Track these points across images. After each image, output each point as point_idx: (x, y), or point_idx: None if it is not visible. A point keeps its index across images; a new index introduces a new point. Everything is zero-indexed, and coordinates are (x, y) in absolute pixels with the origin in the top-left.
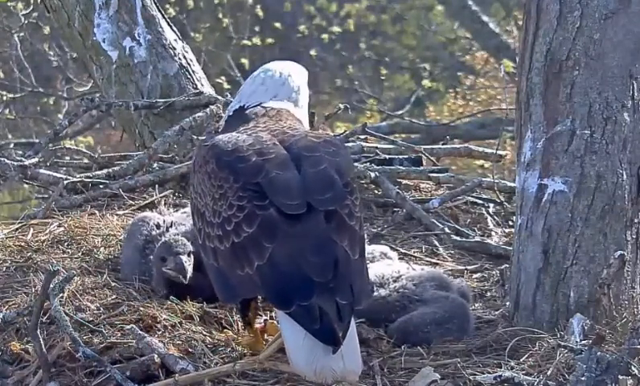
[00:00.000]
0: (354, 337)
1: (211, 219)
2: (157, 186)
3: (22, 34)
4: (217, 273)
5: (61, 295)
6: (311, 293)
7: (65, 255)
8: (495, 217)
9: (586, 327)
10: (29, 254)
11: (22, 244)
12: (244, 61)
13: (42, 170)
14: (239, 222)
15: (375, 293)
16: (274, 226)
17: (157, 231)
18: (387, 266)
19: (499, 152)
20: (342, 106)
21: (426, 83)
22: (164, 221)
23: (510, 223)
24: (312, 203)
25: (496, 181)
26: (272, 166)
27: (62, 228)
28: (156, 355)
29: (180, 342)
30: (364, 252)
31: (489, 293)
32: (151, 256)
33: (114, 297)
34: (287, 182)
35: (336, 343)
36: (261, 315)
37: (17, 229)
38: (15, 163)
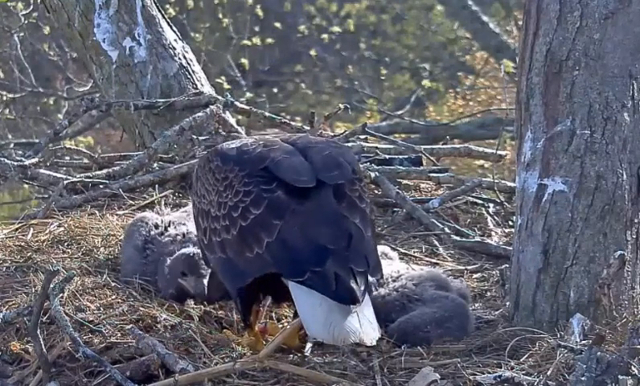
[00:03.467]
0: (369, 305)
1: (217, 212)
2: (157, 186)
3: (22, 34)
4: (224, 264)
5: (61, 295)
6: (325, 259)
7: (65, 255)
8: (495, 217)
9: (586, 327)
10: (29, 254)
11: (22, 244)
12: (244, 61)
13: (42, 170)
14: (246, 206)
15: (375, 293)
16: (282, 205)
17: (156, 231)
18: (387, 266)
19: (499, 152)
20: (342, 106)
21: (426, 83)
22: (162, 221)
23: (510, 223)
24: (321, 179)
25: (496, 181)
26: (278, 153)
27: (62, 228)
28: (156, 355)
29: (180, 342)
30: (375, 235)
31: (489, 293)
32: (152, 257)
33: (114, 297)
34: (294, 163)
35: (354, 301)
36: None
37: (17, 229)
38: (15, 163)
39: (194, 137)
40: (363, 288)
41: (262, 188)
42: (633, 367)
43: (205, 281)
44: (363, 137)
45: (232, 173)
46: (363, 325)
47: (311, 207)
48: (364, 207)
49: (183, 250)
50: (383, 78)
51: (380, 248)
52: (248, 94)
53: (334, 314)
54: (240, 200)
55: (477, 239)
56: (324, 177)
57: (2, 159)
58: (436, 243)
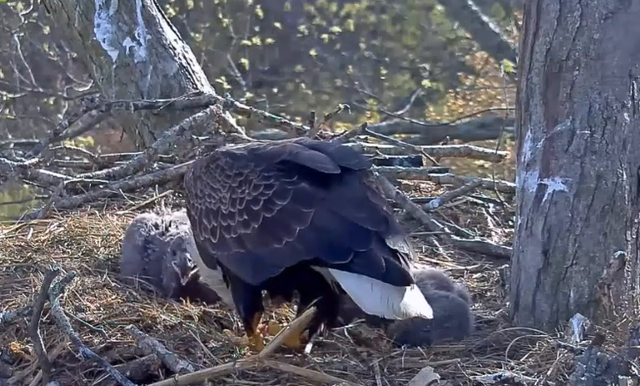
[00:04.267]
0: (416, 286)
1: (230, 209)
2: (157, 186)
3: (22, 34)
4: (243, 258)
5: (61, 295)
6: (369, 241)
7: (65, 255)
8: (495, 217)
9: (586, 327)
10: (29, 254)
11: (22, 244)
12: (244, 61)
13: (42, 170)
14: (269, 198)
15: None
16: (309, 195)
17: (156, 231)
18: None
19: (499, 152)
20: (342, 106)
21: (426, 83)
22: (162, 221)
23: (510, 223)
24: (344, 166)
25: (496, 181)
26: (293, 148)
27: (62, 228)
28: (156, 355)
29: (180, 342)
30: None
31: (489, 293)
32: (153, 256)
33: (114, 297)
34: (312, 154)
35: (408, 282)
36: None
37: (17, 229)
38: (15, 163)
39: (194, 137)
40: (409, 269)
41: (284, 181)
42: (633, 367)
43: (188, 256)
44: (363, 137)
45: (247, 168)
46: (418, 299)
47: (341, 192)
48: (384, 197)
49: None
50: (383, 78)
51: None
52: (248, 94)
53: (390, 294)
54: (261, 193)
55: (477, 239)
56: (347, 164)
57: (2, 159)
58: (436, 243)
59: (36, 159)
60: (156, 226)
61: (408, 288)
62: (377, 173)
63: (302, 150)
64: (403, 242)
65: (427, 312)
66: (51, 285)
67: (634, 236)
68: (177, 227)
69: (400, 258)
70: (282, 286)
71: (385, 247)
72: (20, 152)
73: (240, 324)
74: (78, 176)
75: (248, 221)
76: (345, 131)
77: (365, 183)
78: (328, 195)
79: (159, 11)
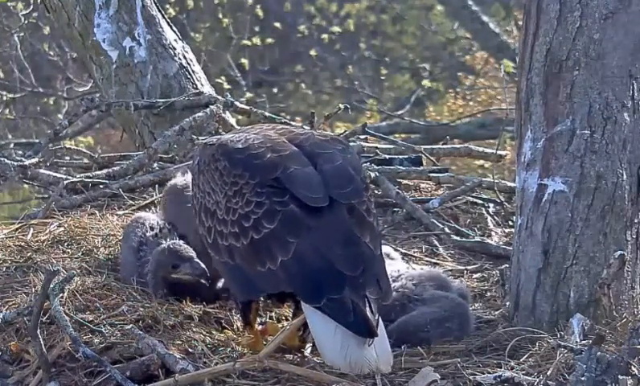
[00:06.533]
0: (383, 330)
1: (224, 216)
2: (157, 186)
3: (22, 34)
4: (234, 271)
5: (61, 295)
6: (342, 287)
7: (65, 255)
8: (495, 217)
9: (586, 327)
10: (29, 254)
11: (22, 244)
12: (244, 61)
13: (42, 170)
14: (258, 218)
15: None
16: (296, 221)
17: (152, 232)
18: (387, 265)
19: (499, 152)
20: (342, 106)
21: (426, 83)
22: (158, 222)
23: (510, 223)
24: (333, 197)
25: (496, 181)
26: (289, 161)
27: (62, 228)
28: (156, 355)
29: (180, 342)
30: (381, 246)
31: (489, 293)
32: (146, 258)
33: (114, 297)
34: (307, 176)
35: (371, 335)
36: (262, 315)
37: (17, 229)
38: (15, 163)
39: (194, 137)
40: (377, 317)
41: (275, 200)
42: (633, 367)
43: (199, 260)
44: (363, 137)
45: (242, 179)
46: (379, 352)
47: (326, 224)
48: (372, 221)
49: (159, 247)
50: (383, 78)
51: (383, 249)
52: (248, 94)
53: (350, 343)
54: (252, 211)
55: (477, 239)
56: (336, 195)
57: (2, 159)
58: (436, 243)
59: (36, 159)
60: (152, 227)
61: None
62: (377, 173)
63: (297, 169)
64: (376, 284)
65: (385, 366)
66: (51, 285)
67: (634, 236)
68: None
69: (369, 304)
70: (271, 297)
71: (358, 291)
72: (20, 152)
73: (239, 324)
74: (78, 176)
75: (238, 235)
76: (345, 131)
77: (356, 208)
78: (314, 224)
79: (159, 11)
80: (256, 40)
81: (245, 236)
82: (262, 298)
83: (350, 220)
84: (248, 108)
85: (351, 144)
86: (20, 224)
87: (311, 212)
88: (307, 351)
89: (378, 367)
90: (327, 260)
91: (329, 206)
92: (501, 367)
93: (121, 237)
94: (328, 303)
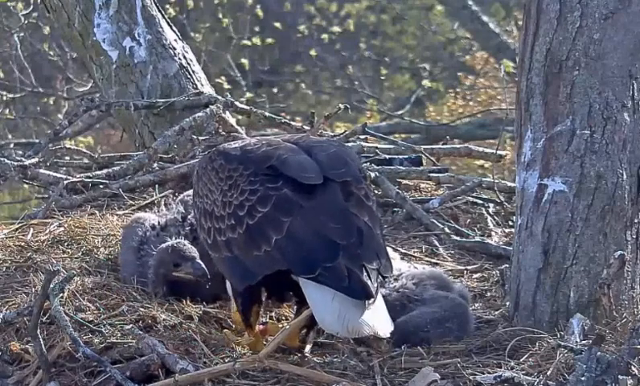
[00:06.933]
0: (382, 301)
1: (221, 212)
2: (157, 186)
3: (22, 34)
4: (231, 262)
5: (61, 295)
6: (336, 255)
7: (65, 255)
8: (495, 217)
9: (586, 327)
10: (29, 254)
11: (22, 244)
12: (244, 61)
13: (42, 170)
14: (252, 204)
15: None
16: (290, 202)
17: (152, 232)
18: None
19: (499, 152)
20: (342, 106)
21: (426, 83)
22: (159, 222)
23: (510, 223)
24: (328, 177)
25: (496, 181)
26: (283, 151)
27: (62, 228)
28: (156, 355)
29: (180, 342)
30: (383, 234)
31: (489, 293)
32: (146, 258)
33: (114, 297)
34: (300, 161)
35: (368, 296)
36: (263, 316)
37: (17, 229)
38: (15, 163)
39: (194, 137)
40: (375, 284)
41: (268, 186)
42: (633, 367)
43: (200, 262)
44: (363, 137)
45: (237, 172)
46: (377, 317)
47: (319, 203)
48: (371, 206)
49: (164, 244)
50: (383, 78)
51: None
52: (248, 94)
53: (348, 308)
54: (246, 199)
55: (477, 239)
56: (331, 174)
57: (2, 159)
58: (436, 243)
59: (36, 159)
60: (152, 227)
61: (370, 302)
62: (377, 173)
63: (291, 155)
64: (376, 256)
65: (383, 331)
66: (51, 285)
67: (634, 236)
68: (177, 227)
69: (367, 273)
70: (272, 289)
71: (354, 260)
72: (20, 152)
73: (239, 326)
74: (78, 176)
75: (234, 226)
76: (345, 131)
77: (352, 191)
78: (307, 204)
79: (159, 11)
80: (256, 40)
81: (241, 224)
82: (263, 299)
83: (346, 199)
84: (248, 108)
85: (351, 144)
86: (20, 224)
87: (305, 193)
88: (307, 351)
89: (376, 332)
90: (320, 232)
91: (322, 184)
92: (501, 367)
93: (120, 237)
94: (322, 272)
